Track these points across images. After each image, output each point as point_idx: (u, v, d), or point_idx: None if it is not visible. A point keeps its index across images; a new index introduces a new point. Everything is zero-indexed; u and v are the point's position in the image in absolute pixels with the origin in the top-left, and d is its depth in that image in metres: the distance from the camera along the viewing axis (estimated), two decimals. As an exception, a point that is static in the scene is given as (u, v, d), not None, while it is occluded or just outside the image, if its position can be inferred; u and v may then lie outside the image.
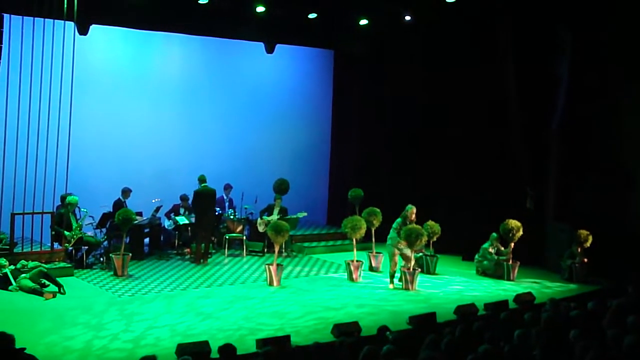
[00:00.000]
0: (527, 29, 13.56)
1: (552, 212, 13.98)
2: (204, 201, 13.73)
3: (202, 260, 13.61)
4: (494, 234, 13.12)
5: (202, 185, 13.80)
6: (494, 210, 13.62)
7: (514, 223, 12.73)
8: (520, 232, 12.71)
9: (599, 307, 8.13)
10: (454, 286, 12.38)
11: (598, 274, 12.69)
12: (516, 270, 12.91)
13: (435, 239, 13.24)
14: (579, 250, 12.75)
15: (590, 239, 12.64)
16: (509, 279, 12.82)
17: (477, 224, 14.00)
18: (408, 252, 11.91)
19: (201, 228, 13.75)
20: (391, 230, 12.20)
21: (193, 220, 14.12)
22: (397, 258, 12.07)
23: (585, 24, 13.12)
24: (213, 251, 14.56)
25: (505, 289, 12.10)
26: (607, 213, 12.96)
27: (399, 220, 12.21)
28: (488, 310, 10.14)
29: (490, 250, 13.13)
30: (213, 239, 14.71)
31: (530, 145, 13.98)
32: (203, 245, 13.77)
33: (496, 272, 12.99)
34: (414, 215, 12.20)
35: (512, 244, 12.83)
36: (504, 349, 6.54)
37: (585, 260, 12.74)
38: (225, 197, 15.50)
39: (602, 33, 12.98)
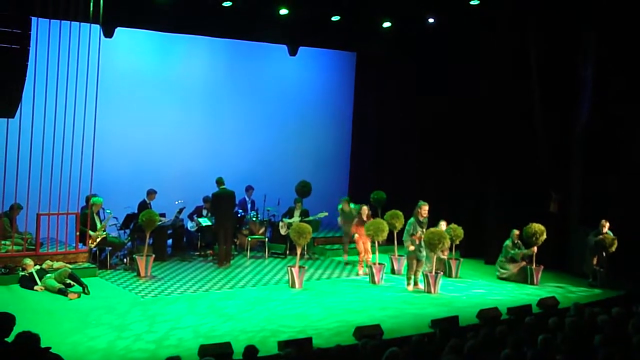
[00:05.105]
0: (552, 30, 13.45)
1: (576, 215, 13.86)
2: (223, 203, 13.77)
3: (225, 262, 13.68)
4: (514, 230, 13.03)
5: (221, 187, 13.84)
6: (518, 213, 13.53)
7: (537, 227, 12.62)
8: (544, 236, 12.61)
9: (624, 312, 8.05)
10: (477, 290, 12.32)
11: (623, 279, 12.58)
12: (539, 275, 12.81)
13: (458, 242, 13.17)
14: (604, 254, 12.62)
15: (616, 243, 12.48)
16: (532, 283, 12.72)
17: (500, 227, 13.91)
18: (423, 255, 11.91)
19: (222, 230, 13.81)
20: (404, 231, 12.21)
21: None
22: (415, 262, 12.06)
23: (611, 25, 12.99)
24: (235, 253, 14.60)
25: (528, 293, 12.01)
26: (632, 217, 12.82)
27: (411, 220, 12.18)
28: (511, 315, 10.11)
29: (511, 246, 13.03)
30: (235, 240, 14.78)
31: (554, 148, 13.86)
32: (225, 247, 13.83)
33: (518, 276, 12.90)
34: (425, 212, 12.12)
35: (535, 248, 12.73)
36: (527, 353, 6.50)
37: (615, 247, 12.49)
38: (247, 199, 15.54)
39: (627, 34, 12.84)
